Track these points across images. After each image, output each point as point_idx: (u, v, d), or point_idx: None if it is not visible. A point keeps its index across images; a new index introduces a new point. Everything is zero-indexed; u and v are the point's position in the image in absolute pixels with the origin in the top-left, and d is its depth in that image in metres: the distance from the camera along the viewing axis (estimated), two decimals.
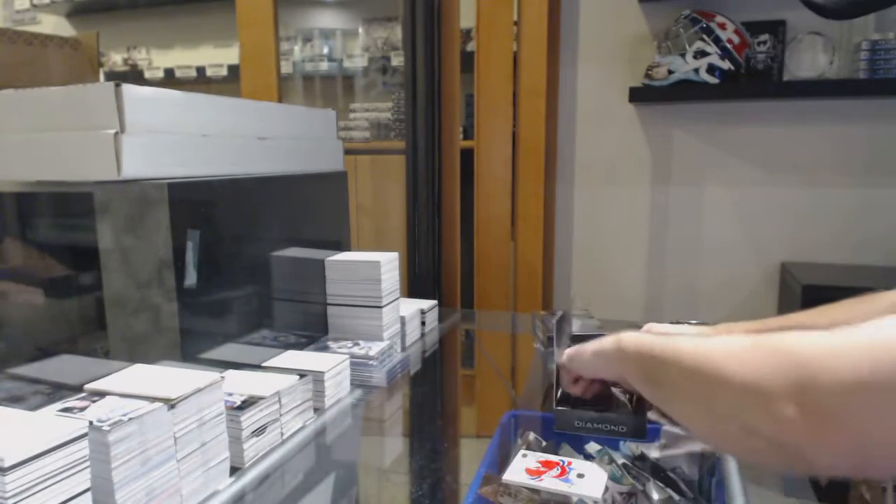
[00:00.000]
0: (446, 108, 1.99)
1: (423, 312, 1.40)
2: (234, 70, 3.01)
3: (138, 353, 0.88)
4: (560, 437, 0.75)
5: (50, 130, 0.87)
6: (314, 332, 1.21)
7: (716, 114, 2.06)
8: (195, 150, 0.96)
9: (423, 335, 1.40)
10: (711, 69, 1.86)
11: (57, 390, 0.86)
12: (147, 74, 3.26)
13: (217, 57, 3.19)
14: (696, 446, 0.72)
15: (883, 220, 1.95)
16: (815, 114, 1.98)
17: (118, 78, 2.69)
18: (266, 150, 1.13)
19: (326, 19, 3.15)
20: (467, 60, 2.07)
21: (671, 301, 2.18)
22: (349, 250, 1.31)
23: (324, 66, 2.98)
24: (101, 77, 3.15)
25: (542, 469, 0.66)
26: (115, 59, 3.37)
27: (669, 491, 0.68)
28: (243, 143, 1.07)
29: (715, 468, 0.70)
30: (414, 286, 1.96)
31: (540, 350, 1.27)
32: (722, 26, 1.84)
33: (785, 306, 1.96)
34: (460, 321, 1.69)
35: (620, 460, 0.72)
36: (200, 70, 3.14)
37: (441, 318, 1.53)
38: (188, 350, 0.88)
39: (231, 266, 0.99)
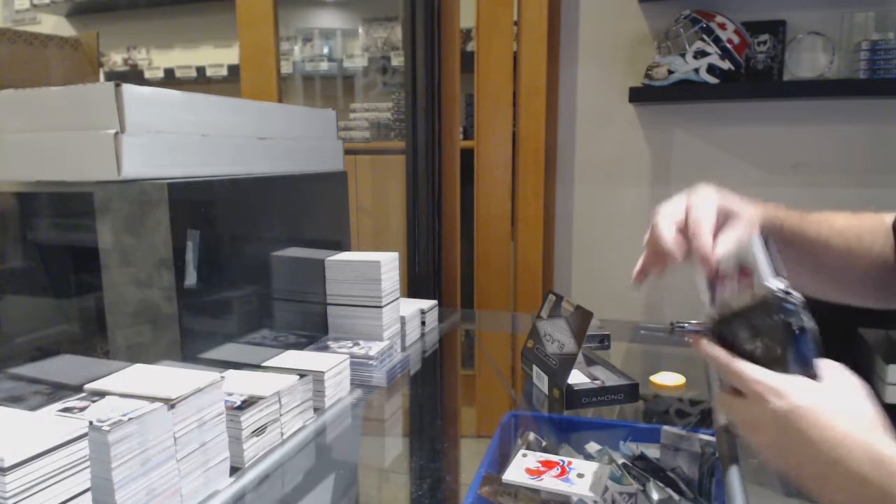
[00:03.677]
0: (446, 108, 1.99)
1: (423, 312, 1.40)
2: (234, 70, 3.00)
3: (138, 353, 0.88)
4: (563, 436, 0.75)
5: (50, 130, 0.87)
6: (314, 332, 1.21)
7: (716, 114, 2.06)
8: (195, 150, 0.96)
9: (423, 335, 1.40)
10: (711, 69, 1.86)
11: (57, 390, 0.86)
12: (147, 74, 3.26)
13: (217, 57, 3.19)
14: (696, 446, 0.72)
15: None
16: (815, 114, 1.98)
17: (118, 78, 2.69)
18: (266, 150, 1.13)
19: (326, 19, 3.15)
20: (467, 60, 2.07)
21: (671, 301, 2.18)
22: (349, 250, 1.31)
23: (324, 66, 2.97)
24: (101, 77, 3.15)
25: (542, 469, 0.66)
26: (115, 59, 3.37)
27: (669, 491, 0.68)
28: (243, 143, 1.07)
29: (715, 468, 0.70)
30: (414, 286, 1.97)
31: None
32: (722, 26, 1.84)
33: None
34: (460, 321, 1.69)
35: (620, 460, 0.72)
36: (200, 70, 3.14)
37: (441, 318, 1.53)
38: (188, 350, 0.88)
39: (231, 266, 0.99)
